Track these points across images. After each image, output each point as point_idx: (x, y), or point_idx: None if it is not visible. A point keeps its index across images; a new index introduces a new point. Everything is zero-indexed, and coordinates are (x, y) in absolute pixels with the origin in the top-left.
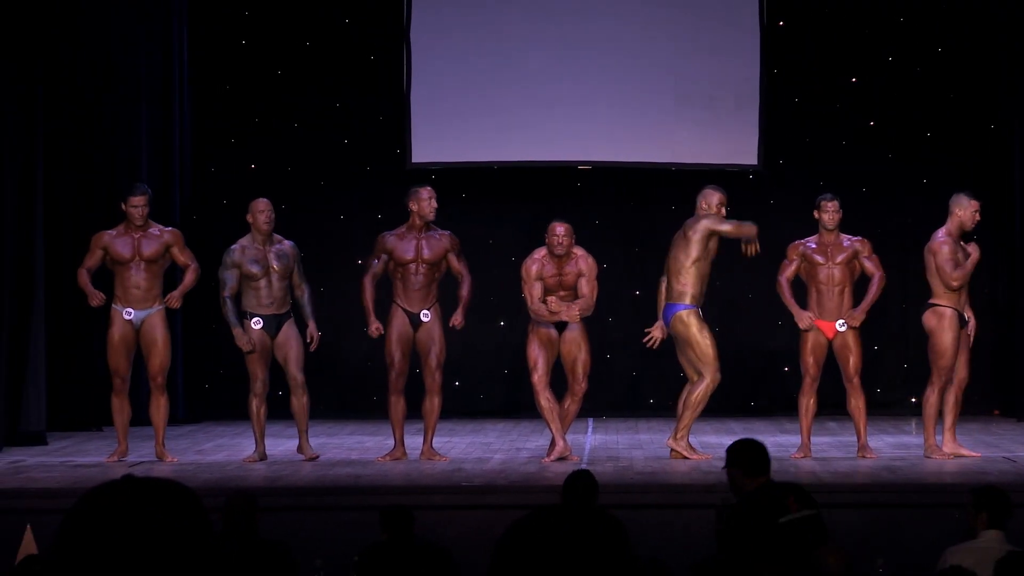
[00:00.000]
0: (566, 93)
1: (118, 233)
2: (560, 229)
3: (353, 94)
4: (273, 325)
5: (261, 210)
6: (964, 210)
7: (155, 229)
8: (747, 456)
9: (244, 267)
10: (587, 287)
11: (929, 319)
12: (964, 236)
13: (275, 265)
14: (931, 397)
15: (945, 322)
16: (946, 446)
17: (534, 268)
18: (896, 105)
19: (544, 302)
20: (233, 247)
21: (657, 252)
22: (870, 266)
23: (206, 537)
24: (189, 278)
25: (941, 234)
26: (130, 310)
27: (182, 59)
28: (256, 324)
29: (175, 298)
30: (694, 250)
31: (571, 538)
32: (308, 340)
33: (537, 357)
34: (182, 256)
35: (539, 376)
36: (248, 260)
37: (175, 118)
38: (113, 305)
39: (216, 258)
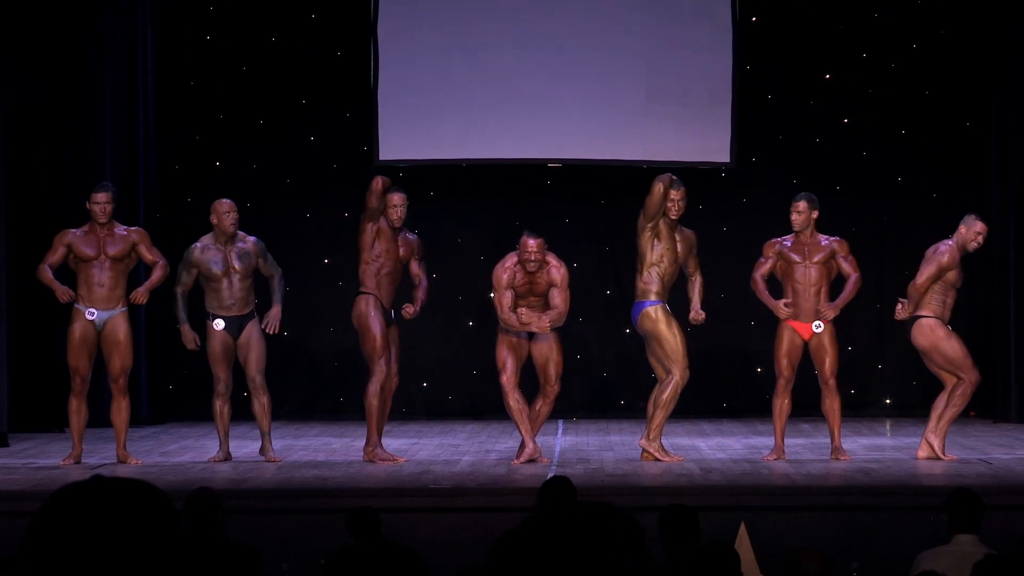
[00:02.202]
0: (536, 90)
1: (83, 232)
2: (532, 244)
3: (319, 90)
4: (235, 326)
5: (226, 211)
6: (968, 229)
7: (121, 229)
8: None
9: (203, 267)
10: (559, 297)
11: (923, 335)
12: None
13: (236, 265)
14: (966, 391)
15: (939, 331)
16: (922, 449)
17: (505, 277)
18: (870, 102)
19: (515, 310)
20: (194, 245)
21: (628, 251)
22: (847, 267)
23: (176, 538)
24: (157, 274)
25: (948, 243)
26: (93, 310)
27: (146, 55)
28: (218, 326)
29: (141, 293)
30: (645, 251)
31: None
32: (264, 324)
33: (506, 358)
34: (149, 254)
35: (508, 377)
36: (208, 260)
37: (139, 115)
38: (75, 304)
39: (180, 257)
